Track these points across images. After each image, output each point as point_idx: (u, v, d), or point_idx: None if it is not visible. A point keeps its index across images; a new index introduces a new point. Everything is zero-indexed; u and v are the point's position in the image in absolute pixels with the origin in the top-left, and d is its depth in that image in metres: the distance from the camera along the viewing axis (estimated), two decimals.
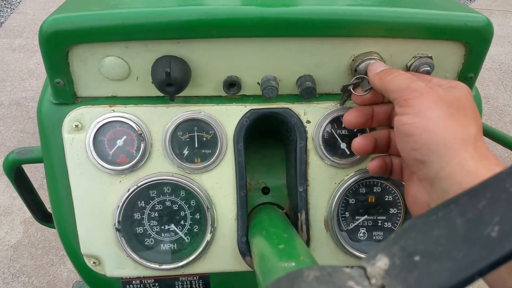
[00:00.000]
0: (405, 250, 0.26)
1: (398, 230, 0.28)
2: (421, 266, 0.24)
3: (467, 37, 0.54)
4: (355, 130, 0.60)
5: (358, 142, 0.52)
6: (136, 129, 0.57)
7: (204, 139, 0.59)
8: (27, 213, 2.08)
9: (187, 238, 0.61)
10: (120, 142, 0.57)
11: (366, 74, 0.55)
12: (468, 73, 0.58)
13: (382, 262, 0.26)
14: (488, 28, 0.54)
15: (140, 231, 0.60)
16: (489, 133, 0.66)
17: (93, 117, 0.56)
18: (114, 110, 0.57)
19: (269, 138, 0.68)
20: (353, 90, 0.54)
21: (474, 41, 0.54)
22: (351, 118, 0.53)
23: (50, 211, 0.77)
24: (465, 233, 0.24)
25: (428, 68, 0.55)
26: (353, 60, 0.56)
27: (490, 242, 0.23)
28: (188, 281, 0.64)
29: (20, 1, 3.57)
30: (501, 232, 0.23)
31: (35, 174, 2.19)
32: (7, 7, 3.43)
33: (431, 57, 0.55)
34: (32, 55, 2.99)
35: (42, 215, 0.76)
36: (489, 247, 0.23)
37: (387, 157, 0.54)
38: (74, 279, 1.87)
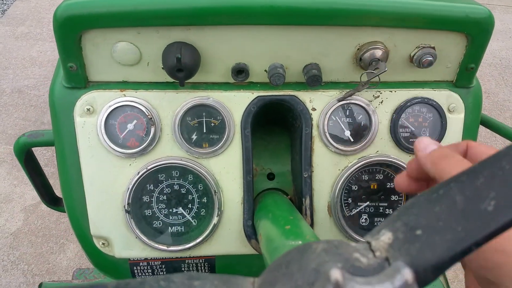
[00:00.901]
0: (407, 225, 0.27)
1: (401, 207, 0.29)
2: (423, 239, 0.26)
3: (469, 28, 0.55)
4: (360, 117, 0.61)
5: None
6: (147, 114, 0.58)
7: (212, 124, 0.60)
8: (28, 201, 2.10)
9: (194, 221, 0.62)
10: (130, 126, 0.59)
11: (370, 63, 0.56)
12: (469, 64, 0.59)
13: (386, 237, 0.28)
14: (489, 20, 0.55)
15: (149, 213, 0.62)
16: (488, 124, 0.68)
17: (104, 101, 0.58)
18: (125, 95, 0.58)
19: (274, 125, 0.70)
20: (364, 84, 0.56)
21: (475, 32, 0.56)
22: (401, 182, 0.44)
23: (58, 195, 0.79)
24: (464, 208, 0.26)
25: (431, 58, 0.57)
26: (358, 49, 0.58)
27: (486, 215, 0.25)
28: (194, 264, 0.66)
29: None
30: (497, 206, 0.24)
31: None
32: None
33: (433, 48, 0.57)
34: (34, 43, 2.99)
35: (50, 198, 0.78)
36: (485, 220, 0.24)
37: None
38: (74, 267, 1.89)
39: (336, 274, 0.22)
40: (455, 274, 1.78)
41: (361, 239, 0.63)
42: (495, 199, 0.25)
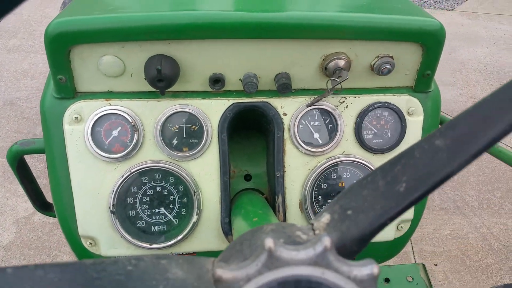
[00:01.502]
0: (342, 207, 0.33)
1: (341, 193, 0.35)
2: (352, 218, 0.32)
3: (423, 39, 0.61)
4: (327, 121, 0.67)
5: None
6: (130, 121, 0.63)
7: (192, 130, 0.65)
8: (20, 213, 2.11)
9: (176, 220, 0.67)
10: (115, 133, 0.64)
11: (335, 72, 0.62)
12: (425, 71, 0.65)
13: (325, 218, 0.33)
14: (440, 31, 0.61)
15: (133, 214, 0.66)
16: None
17: (91, 110, 0.63)
18: (110, 104, 0.63)
19: (251, 129, 0.75)
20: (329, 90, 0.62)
21: (429, 42, 0.62)
22: None
23: (49, 200, 0.83)
24: (384, 190, 0.31)
25: (389, 67, 0.62)
26: (323, 59, 0.63)
27: (399, 195, 0.30)
28: None
29: None
30: (406, 187, 0.30)
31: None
32: None
33: (391, 57, 0.63)
34: (26, 55, 3.03)
35: (41, 204, 0.82)
36: (398, 199, 0.30)
37: None
38: None
39: (269, 242, 0.27)
40: (445, 275, 1.83)
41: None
42: (406, 182, 0.30)
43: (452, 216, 2.06)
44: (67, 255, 1.95)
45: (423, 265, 0.95)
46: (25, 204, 2.13)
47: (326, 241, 0.26)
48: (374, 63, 0.63)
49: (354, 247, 0.30)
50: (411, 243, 1.95)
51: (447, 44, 3.43)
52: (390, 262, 0.85)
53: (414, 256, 1.91)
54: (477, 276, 1.84)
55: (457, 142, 0.29)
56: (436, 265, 1.89)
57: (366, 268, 0.26)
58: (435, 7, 4.14)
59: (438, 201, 2.13)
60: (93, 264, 0.29)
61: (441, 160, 0.29)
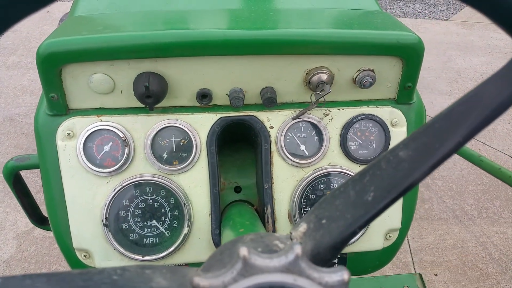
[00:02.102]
0: (317, 216, 0.35)
1: (317, 203, 0.36)
2: (325, 226, 0.33)
3: (401, 52, 0.64)
4: (313, 133, 0.69)
5: None
6: (121, 136, 0.65)
7: (181, 144, 0.67)
8: (20, 228, 2.13)
9: (167, 233, 0.69)
10: (107, 148, 0.66)
11: (318, 86, 0.64)
12: (406, 83, 0.68)
13: (302, 227, 0.35)
14: (418, 45, 0.63)
15: (125, 226, 0.68)
16: None
17: (83, 126, 0.65)
18: (101, 120, 0.65)
19: (241, 142, 0.77)
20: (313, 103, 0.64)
21: (408, 56, 0.64)
22: None
23: (45, 214, 0.85)
24: (354, 200, 0.33)
25: (370, 80, 0.65)
26: (306, 73, 0.66)
27: (367, 204, 0.32)
28: None
29: None
30: (374, 197, 0.32)
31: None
32: None
33: (373, 70, 0.65)
34: (25, 72, 3.08)
35: (37, 218, 0.84)
36: (366, 208, 0.32)
37: None
38: None
39: (243, 251, 0.28)
40: (446, 285, 1.83)
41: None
42: (373, 191, 0.32)
43: (451, 225, 2.07)
44: (67, 269, 1.95)
45: (420, 275, 0.96)
46: (25, 219, 2.14)
47: (297, 249, 0.28)
48: (356, 77, 0.66)
49: (328, 255, 0.32)
50: (411, 253, 1.95)
51: (443, 53, 3.48)
52: (388, 272, 0.85)
53: (414, 266, 1.91)
54: (478, 286, 1.84)
55: (418, 153, 0.31)
56: (436, 275, 1.88)
57: (337, 275, 0.28)
58: (430, 17, 4.19)
59: (437, 211, 2.13)
60: (80, 274, 0.31)
61: (404, 170, 0.31)
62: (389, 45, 0.63)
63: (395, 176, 0.31)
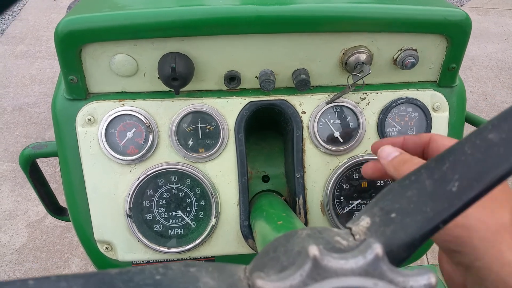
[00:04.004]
0: (383, 209, 0.30)
1: (378, 194, 0.32)
2: (397, 221, 0.29)
3: (448, 30, 0.59)
4: (348, 119, 0.64)
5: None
6: (145, 122, 0.61)
7: (207, 130, 0.63)
8: (31, 217, 2.12)
9: (193, 224, 0.65)
10: (129, 134, 0.62)
11: (356, 66, 0.59)
12: (450, 64, 0.62)
13: (364, 221, 0.31)
14: (466, 22, 0.58)
15: (150, 217, 0.64)
16: (474, 122, 0.71)
17: (104, 111, 0.61)
18: (123, 105, 0.61)
19: (268, 129, 0.73)
20: (350, 86, 0.59)
21: (454, 34, 0.59)
22: (367, 170, 0.51)
23: (62, 204, 0.82)
24: (432, 191, 0.28)
25: (413, 60, 0.60)
26: (343, 54, 0.61)
27: (451, 196, 0.27)
28: None
29: (21, 8, 3.63)
30: (460, 187, 0.27)
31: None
32: (9, 14, 3.49)
33: (415, 50, 0.60)
34: (34, 61, 3.04)
35: (54, 208, 0.80)
36: (451, 200, 0.27)
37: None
38: None
39: (314, 250, 0.24)
40: None
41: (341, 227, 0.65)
42: (458, 180, 0.28)
43: None
44: (78, 258, 1.95)
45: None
46: (36, 208, 2.13)
47: (377, 248, 0.24)
48: (397, 57, 0.61)
49: (402, 254, 0.27)
50: None
51: None
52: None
53: (426, 256, 1.87)
54: None
55: None
56: None
57: (423, 278, 0.23)
58: None
59: None
60: (119, 274, 0.27)
61: (498, 156, 0.26)
62: (435, 22, 0.58)
63: (487, 163, 0.27)
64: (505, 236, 0.38)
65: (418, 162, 0.44)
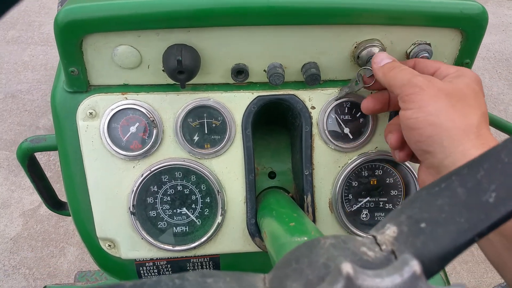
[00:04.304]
0: (411, 218, 0.29)
1: (405, 201, 0.30)
2: (427, 231, 0.27)
3: (463, 24, 0.57)
4: (358, 115, 0.62)
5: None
6: (149, 116, 0.59)
7: (213, 125, 0.61)
8: (26, 206, 2.09)
9: (199, 221, 0.63)
10: (133, 129, 0.59)
11: (368, 61, 0.57)
12: (464, 59, 0.61)
13: (390, 230, 0.29)
14: (483, 15, 0.56)
15: (154, 214, 0.62)
16: (493, 122, 0.69)
17: (106, 104, 0.58)
18: (126, 98, 0.59)
19: (275, 124, 0.71)
20: (358, 81, 0.57)
21: (470, 28, 0.57)
22: (368, 104, 0.56)
23: (60, 199, 0.79)
24: (466, 200, 0.27)
25: (427, 55, 0.58)
26: (355, 47, 0.59)
27: (488, 207, 0.26)
28: (199, 262, 0.67)
29: None
30: (497, 197, 0.26)
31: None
32: None
33: (429, 44, 0.58)
34: (26, 47, 2.97)
35: (53, 203, 0.78)
36: (488, 211, 0.26)
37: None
38: (75, 270, 1.89)
39: (347, 267, 0.23)
40: (453, 266, 1.81)
41: (363, 234, 0.64)
42: (495, 191, 0.26)
43: None
44: (74, 247, 1.94)
45: None
46: (31, 197, 2.11)
47: (415, 266, 0.22)
48: (411, 51, 0.59)
49: (434, 267, 0.26)
50: None
51: None
52: None
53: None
54: (485, 267, 1.82)
55: None
56: None
57: None
58: None
59: None
60: (134, 286, 0.26)
61: None
62: (451, 15, 0.56)
63: None
64: (471, 135, 0.41)
65: (404, 68, 0.48)
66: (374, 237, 0.30)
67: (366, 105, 0.56)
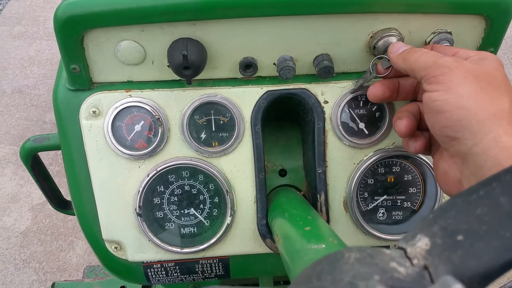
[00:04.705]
0: (446, 229, 0.25)
1: (437, 209, 0.27)
2: (466, 245, 0.24)
3: (488, 10, 0.53)
4: (374, 108, 0.59)
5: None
6: (154, 114, 0.56)
7: (221, 122, 0.58)
8: (35, 200, 2.10)
9: (207, 222, 0.61)
10: (138, 127, 0.57)
11: (385, 51, 0.54)
12: (488, 48, 0.57)
13: (422, 242, 0.26)
14: (509, 1, 0.52)
15: (161, 215, 0.60)
16: None
17: (110, 102, 0.56)
18: (130, 95, 0.56)
19: (284, 120, 0.68)
20: (372, 71, 0.54)
21: (495, 14, 0.53)
22: (376, 91, 0.52)
23: (66, 198, 0.78)
24: (511, 210, 0.24)
25: (448, 44, 0.54)
26: (371, 37, 0.55)
27: None
28: (208, 264, 0.65)
29: None
30: None
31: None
32: None
33: (450, 32, 0.54)
34: (32, 42, 2.96)
35: (58, 202, 0.76)
36: None
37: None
38: (84, 264, 1.90)
39: None
40: None
41: (379, 235, 0.61)
42: None
43: None
44: (82, 241, 1.95)
45: None
46: (39, 192, 2.10)
47: None
48: (430, 40, 0.55)
49: (475, 286, 0.23)
50: None
51: None
52: None
53: None
54: None
55: None
56: None
57: None
58: None
59: None
60: None
61: None
62: (474, 1, 0.52)
63: None
64: (503, 121, 0.38)
65: (428, 51, 0.46)
66: (404, 249, 0.27)
67: (374, 91, 0.52)
